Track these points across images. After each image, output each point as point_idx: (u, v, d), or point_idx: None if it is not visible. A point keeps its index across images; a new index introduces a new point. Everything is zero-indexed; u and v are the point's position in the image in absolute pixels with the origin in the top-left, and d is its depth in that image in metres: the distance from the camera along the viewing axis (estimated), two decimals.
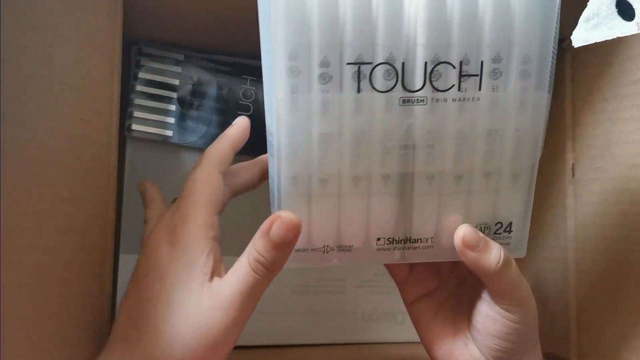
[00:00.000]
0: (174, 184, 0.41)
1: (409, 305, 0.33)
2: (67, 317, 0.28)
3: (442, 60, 0.25)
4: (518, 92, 0.26)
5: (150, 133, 0.40)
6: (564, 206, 0.38)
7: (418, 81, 0.25)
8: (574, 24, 0.38)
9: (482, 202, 0.28)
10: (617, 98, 0.35)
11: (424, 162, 0.27)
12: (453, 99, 0.26)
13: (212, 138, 0.41)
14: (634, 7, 0.67)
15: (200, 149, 0.41)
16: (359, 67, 0.25)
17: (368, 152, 0.26)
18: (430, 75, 0.25)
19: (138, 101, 0.39)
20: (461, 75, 0.25)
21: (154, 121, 0.40)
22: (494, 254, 0.27)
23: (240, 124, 0.30)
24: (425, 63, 0.25)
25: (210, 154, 0.28)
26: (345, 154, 0.26)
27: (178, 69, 0.40)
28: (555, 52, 0.27)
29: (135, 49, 0.40)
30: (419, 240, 0.28)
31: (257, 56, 0.27)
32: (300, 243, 0.27)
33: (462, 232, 0.27)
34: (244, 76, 0.42)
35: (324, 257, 0.28)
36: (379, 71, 0.25)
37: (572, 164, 0.38)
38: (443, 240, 0.28)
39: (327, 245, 0.28)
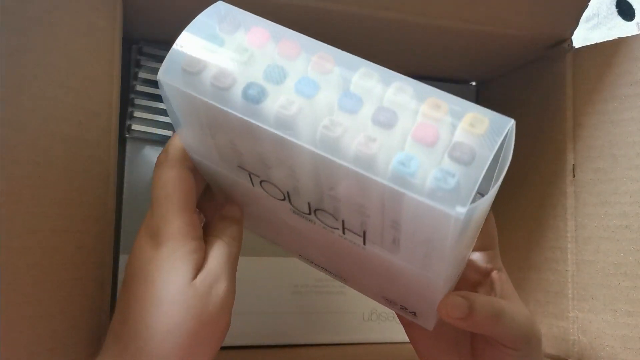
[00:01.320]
0: None
1: (406, 325, 0.32)
2: (64, 319, 0.28)
3: (323, 209, 0.23)
4: (413, 265, 0.23)
5: (150, 133, 0.40)
6: (564, 207, 0.38)
7: (305, 209, 0.24)
8: (575, 24, 0.38)
9: (389, 289, 0.28)
10: (617, 99, 0.35)
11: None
12: (340, 235, 0.24)
13: None
14: (633, 7, 0.66)
15: None
16: (249, 174, 0.24)
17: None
18: (315, 213, 0.24)
19: (138, 101, 0.39)
20: (344, 228, 0.23)
21: (154, 121, 0.40)
22: (484, 313, 0.26)
23: None
24: (309, 203, 0.23)
25: (174, 150, 0.26)
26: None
27: None
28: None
29: (135, 49, 0.40)
30: (335, 275, 0.31)
31: None
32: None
33: (446, 305, 0.25)
34: None
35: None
36: (270, 186, 0.24)
37: (573, 165, 0.38)
38: (357, 286, 0.30)
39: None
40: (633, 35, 0.35)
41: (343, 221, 0.23)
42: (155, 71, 0.40)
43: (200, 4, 0.35)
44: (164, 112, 0.40)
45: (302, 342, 0.43)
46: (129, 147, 0.40)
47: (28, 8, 0.25)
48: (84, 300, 0.30)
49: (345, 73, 0.20)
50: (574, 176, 0.38)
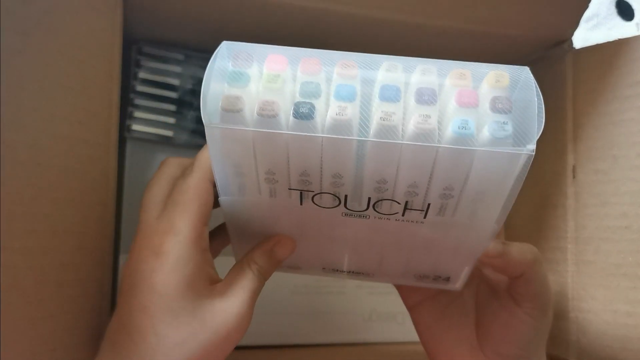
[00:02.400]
0: None
1: (410, 307, 0.32)
2: (62, 320, 0.28)
3: (386, 198, 0.24)
4: (465, 220, 0.25)
5: (150, 133, 0.40)
6: (565, 207, 0.38)
7: (361, 206, 0.25)
8: (575, 24, 0.38)
9: (421, 265, 0.29)
10: (618, 100, 0.35)
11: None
12: (396, 219, 0.25)
13: None
14: (633, 7, 0.67)
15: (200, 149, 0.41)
16: (300, 193, 0.25)
17: (315, 229, 0.27)
18: (374, 205, 0.25)
19: (138, 101, 0.39)
20: (406, 209, 0.25)
21: (154, 121, 0.40)
22: (518, 253, 0.26)
23: None
24: (369, 199, 0.24)
25: (200, 163, 0.26)
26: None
27: (178, 69, 0.40)
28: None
29: (135, 49, 0.40)
30: (361, 274, 0.31)
31: None
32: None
33: (487, 251, 0.26)
34: None
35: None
36: (323, 197, 0.25)
37: (573, 166, 0.38)
38: (383, 277, 0.31)
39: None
40: (634, 36, 0.35)
41: (407, 202, 0.24)
42: (155, 71, 0.40)
43: (200, 4, 0.35)
44: (164, 112, 0.40)
45: (302, 342, 0.43)
46: (129, 147, 0.40)
47: (29, 8, 0.25)
48: (84, 301, 0.30)
49: (370, 72, 0.22)
50: (574, 177, 0.38)
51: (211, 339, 0.25)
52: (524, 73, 0.23)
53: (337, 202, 0.25)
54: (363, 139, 0.22)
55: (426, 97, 0.21)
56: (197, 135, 0.41)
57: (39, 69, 0.26)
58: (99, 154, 0.31)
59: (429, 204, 0.24)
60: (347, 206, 0.25)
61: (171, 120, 0.40)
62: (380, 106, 0.21)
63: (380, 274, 0.31)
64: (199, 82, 0.41)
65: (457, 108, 0.21)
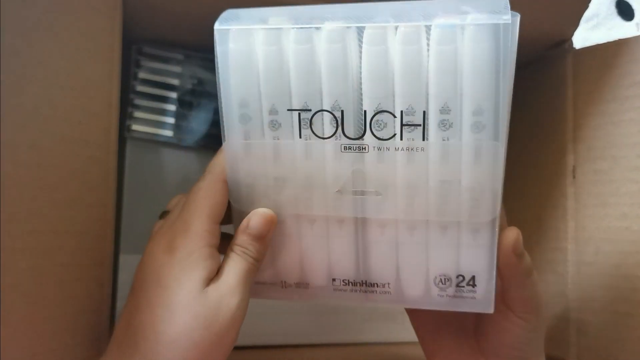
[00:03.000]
0: (174, 184, 0.41)
1: (410, 312, 0.32)
2: (63, 320, 0.28)
3: (381, 109, 0.25)
4: (471, 144, 0.25)
5: (150, 133, 0.40)
6: (565, 208, 0.38)
7: (359, 129, 0.26)
8: (575, 24, 0.38)
9: (440, 254, 0.27)
10: (618, 100, 0.35)
11: (374, 210, 0.27)
12: (396, 148, 0.26)
13: (213, 138, 0.41)
14: (633, 7, 0.67)
15: (201, 149, 0.41)
16: (299, 114, 0.26)
17: (320, 196, 0.27)
18: (370, 124, 0.26)
19: (138, 101, 0.39)
20: (403, 125, 0.25)
21: (154, 121, 0.40)
22: (528, 261, 0.27)
23: None
24: (365, 112, 0.25)
25: (213, 166, 0.28)
26: (299, 197, 0.27)
27: (178, 69, 0.40)
28: (510, 101, 0.25)
29: (135, 49, 0.39)
30: (376, 285, 0.29)
31: None
32: (263, 276, 0.29)
33: (514, 237, 0.26)
34: None
35: (284, 291, 0.30)
36: (324, 117, 0.26)
37: (573, 166, 0.38)
38: (404, 288, 0.28)
39: (285, 282, 0.29)
40: (634, 37, 0.35)
41: (402, 112, 0.25)
42: (155, 71, 0.40)
43: (200, 4, 0.35)
44: (163, 112, 0.40)
45: (302, 342, 0.43)
46: (128, 147, 0.40)
47: (30, 8, 0.25)
48: (84, 301, 0.30)
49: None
50: (574, 177, 0.38)
51: (204, 335, 0.25)
52: None
53: (335, 127, 0.26)
54: (360, 24, 0.25)
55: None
56: (197, 136, 0.41)
57: (39, 70, 0.26)
58: (99, 154, 0.31)
59: (423, 112, 0.25)
60: (345, 132, 0.26)
61: (171, 120, 0.40)
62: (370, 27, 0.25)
63: (399, 283, 0.29)
64: (199, 82, 0.41)
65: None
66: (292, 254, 0.29)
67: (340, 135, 0.26)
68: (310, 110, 0.26)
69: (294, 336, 0.43)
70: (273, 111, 0.26)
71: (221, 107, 0.27)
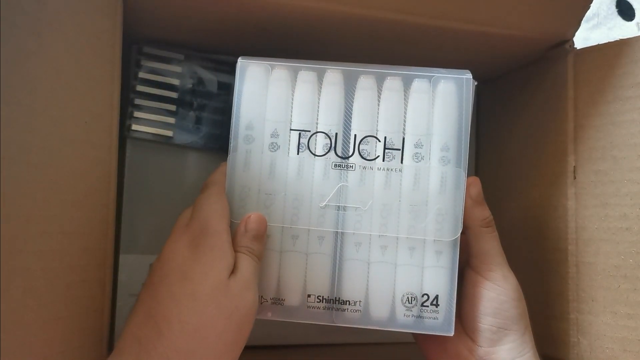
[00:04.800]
0: (174, 184, 0.41)
1: (420, 341, 0.35)
2: (70, 321, 0.28)
3: (368, 135, 0.32)
4: (438, 173, 0.32)
5: (150, 133, 0.40)
6: (565, 208, 0.38)
7: (349, 150, 0.32)
8: (576, 25, 0.38)
9: (407, 274, 0.32)
10: (619, 100, 0.35)
11: (353, 224, 0.32)
12: (379, 167, 0.32)
13: (213, 138, 0.41)
14: (634, 7, 0.66)
15: (201, 149, 0.41)
16: (299, 134, 0.32)
17: (306, 210, 0.32)
18: (359, 146, 0.32)
19: (138, 101, 0.39)
20: (385, 148, 0.32)
21: (154, 121, 0.40)
22: (482, 209, 0.32)
23: None
24: (355, 135, 0.32)
25: (217, 180, 0.31)
26: (287, 211, 0.32)
27: (178, 69, 0.40)
28: (468, 139, 0.32)
29: (135, 49, 0.39)
30: (347, 303, 0.32)
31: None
32: None
33: (472, 181, 0.32)
34: None
35: (260, 307, 0.32)
36: (318, 141, 0.32)
37: (574, 167, 0.38)
38: (372, 309, 0.32)
39: (262, 297, 0.32)
40: (635, 37, 0.35)
41: (385, 138, 0.32)
42: (155, 71, 0.40)
43: (200, 4, 0.35)
44: (163, 112, 0.40)
45: (302, 342, 0.43)
46: (129, 147, 0.40)
47: (42, 8, 0.25)
48: (89, 302, 0.30)
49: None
50: (574, 178, 0.38)
51: (226, 324, 0.26)
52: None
53: (328, 148, 0.32)
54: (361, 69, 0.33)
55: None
56: (197, 135, 0.41)
57: (49, 70, 0.26)
58: (103, 155, 0.31)
59: (403, 138, 0.32)
60: (337, 151, 0.32)
61: (171, 120, 0.40)
62: (364, 75, 0.33)
63: (368, 301, 0.32)
64: (199, 82, 0.41)
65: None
66: (272, 268, 0.32)
67: (331, 155, 0.32)
68: (309, 131, 0.32)
69: (294, 336, 0.43)
70: (274, 134, 0.32)
71: (232, 127, 0.32)
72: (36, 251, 0.25)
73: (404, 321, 0.32)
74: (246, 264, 0.29)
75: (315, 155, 0.32)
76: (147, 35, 0.39)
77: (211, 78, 0.41)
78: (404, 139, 0.32)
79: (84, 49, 0.29)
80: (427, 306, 0.31)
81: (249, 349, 0.42)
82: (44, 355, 0.25)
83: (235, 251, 0.29)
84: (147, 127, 0.40)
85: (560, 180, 0.38)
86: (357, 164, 0.32)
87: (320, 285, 0.32)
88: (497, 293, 0.31)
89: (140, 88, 0.39)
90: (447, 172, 0.31)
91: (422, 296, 0.31)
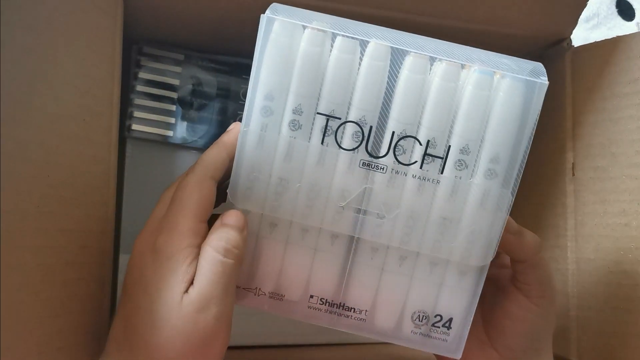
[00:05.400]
0: None
1: None
2: (67, 318, 0.28)
3: (409, 135, 0.26)
4: (480, 189, 0.26)
5: (150, 133, 0.40)
6: (564, 205, 0.38)
7: (382, 149, 0.26)
8: (573, 23, 0.38)
9: (423, 290, 0.28)
10: (616, 97, 0.35)
11: (372, 231, 0.27)
12: (413, 175, 0.26)
13: (213, 138, 0.41)
14: (634, 7, 0.67)
15: (201, 149, 0.41)
16: (327, 120, 0.26)
17: (321, 207, 0.27)
18: (395, 146, 0.26)
19: (138, 101, 0.39)
20: (425, 154, 0.26)
21: (154, 121, 0.40)
22: (530, 236, 0.27)
23: (236, 130, 0.27)
24: (393, 133, 0.26)
25: (203, 160, 0.27)
26: (299, 204, 0.27)
27: (178, 69, 0.40)
28: (526, 156, 0.26)
29: (135, 49, 0.40)
30: (352, 310, 0.28)
31: None
32: (239, 280, 0.28)
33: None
34: (244, 76, 0.42)
35: (256, 299, 0.29)
36: (347, 129, 0.26)
37: (572, 163, 0.38)
38: (377, 319, 0.28)
39: (259, 289, 0.28)
40: (631, 34, 0.35)
41: (428, 142, 0.26)
42: (155, 71, 0.40)
43: (200, 4, 0.35)
44: (164, 112, 0.40)
45: (302, 342, 0.43)
46: (129, 147, 0.40)
47: (42, 6, 0.26)
48: (86, 300, 0.30)
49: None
50: (573, 174, 0.38)
51: (186, 346, 0.24)
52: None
53: (359, 142, 0.26)
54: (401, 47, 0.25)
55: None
56: (197, 135, 0.41)
57: (48, 68, 0.26)
58: (102, 153, 0.31)
59: (449, 147, 0.26)
60: (368, 148, 0.26)
61: (171, 120, 0.40)
62: (414, 55, 0.26)
63: (374, 311, 0.29)
64: (199, 82, 0.41)
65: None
66: (274, 260, 0.28)
67: (361, 150, 0.26)
68: (339, 118, 0.26)
69: (294, 336, 0.43)
70: (297, 111, 0.26)
71: (248, 95, 0.26)
72: (32, 247, 0.25)
73: (410, 337, 0.28)
74: (209, 274, 0.24)
75: (341, 147, 0.26)
76: (147, 35, 0.39)
77: (211, 78, 0.41)
78: (449, 145, 0.26)
79: (83, 47, 0.29)
80: (438, 327, 0.28)
81: (246, 349, 0.42)
82: (39, 351, 0.25)
83: (203, 245, 0.25)
84: (147, 127, 0.40)
85: (559, 177, 0.38)
86: (389, 166, 0.26)
87: (325, 287, 0.28)
88: (540, 318, 0.28)
89: (140, 88, 0.39)
90: (492, 188, 0.26)
91: (435, 316, 0.28)
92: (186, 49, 0.41)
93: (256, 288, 0.28)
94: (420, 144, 0.26)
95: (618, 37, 0.35)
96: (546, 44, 0.40)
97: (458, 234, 0.26)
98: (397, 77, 0.26)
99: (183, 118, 0.40)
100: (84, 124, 0.29)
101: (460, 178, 0.26)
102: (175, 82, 0.40)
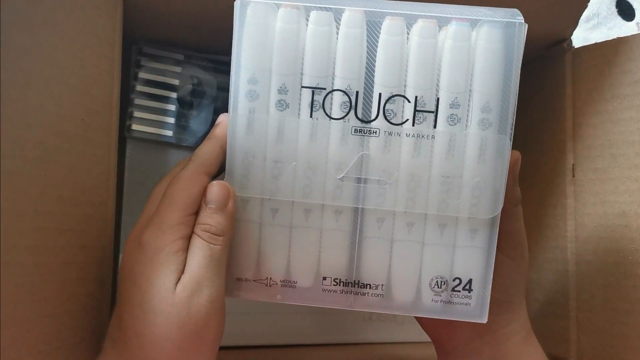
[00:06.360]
0: None
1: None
2: (66, 318, 0.28)
3: (396, 93, 0.26)
4: (477, 140, 0.26)
5: (150, 133, 0.40)
6: (564, 206, 0.38)
7: (372, 112, 0.26)
8: (574, 24, 0.38)
9: (437, 255, 0.27)
10: (617, 98, 0.35)
11: (375, 200, 0.26)
12: (407, 134, 0.26)
13: None
14: (634, 7, 0.67)
15: None
16: (312, 92, 0.26)
17: (320, 182, 0.26)
18: (384, 107, 0.26)
19: (138, 101, 0.39)
20: (416, 110, 0.26)
21: (154, 121, 0.40)
22: (517, 190, 0.28)
23: (226, 121, 0.27)
24: (380, 94, 0.26)
25: (197, 156, 0.27)
26: (298, 183, 0.27)
27: (178, 69, 0.40)
28: (516, 100, 0.26)
29: (135, 49, 0.40)
30: (368, 286, 0.28)
31: None
32: (246, 272, 0.28)
33: (514, 158, 0.27)
34: None
35: (267, 290, 0.28)
36: (335, 100, 0.26)
37: (573, 165, 0.38)
38: (394, 292, 0.28)
39: (270, 278, 0.28)
40: (632, 35, 0.35)
41: (416, 98, 0.26)
42: (155, 71, 0.40)
43: (200, 4, 0.35)
44: (163, 112, 0.40)
45: (303, 342, 0.43)
46: (129, 147, 0.40)
47: (37, 6, 0.25)
48: (86, 300, 0.30)
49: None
50: (573, 176, 0.38)
51: (180, 334, 0.24)
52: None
53: (347, 110, 0.26)
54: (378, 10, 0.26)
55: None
56: (197, 136, 0.41)
57: (45, 67, 0.26)
58: (101, 152, 0.31)
59: (437, 99, 0.26)
60: (357, 113, 0.26)
61: (171, 120, 0.40)
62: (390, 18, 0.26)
63: (391, 284, 0.28)
64: (199, 82, 0.41)
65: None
66: (281, 247, 0.28)
67: (351, 118, 0.26)
68: (324, 89, 0.26)
69: (294, 336, 0.43)
70: (282, 90, 0.26)
71: (231, 82, 0.26)
72: (29, 246, 0.25)
73: (431, 306, 0.27)
74: (199, 258, 0.25)
75: (330, 117, 0.26)
76: (147, 35, 0.39)
77: (211, 78, 0.41)
78: (437, 98, 0.26)
79: (81, 46, 0.29)
80: (459, 291, 0.27)
81: (246, 349, 0.42)
82: (38, 350, 0.25)
83: (193, 233, 0.25)
84: (147, 127, 0.40)
85: (559, 178, 0.38)
86: (382, 129, 0.26)
87: (337, 267, 0.27)
88: (513, 271, 0.29)
89: (140, 88, 0.39)
90: (488, 137, 0.26)
91: (454, 280, 0.27)
92: (186, 49, 0.40)
93: (267, 278, 0.28)
94: (409, 102, 0.26)
95: (619, 38, 0.35)
96: (546, 45, 0.40)
97: (462, 189, 0.26)
98: (377, 41, 0.26)
99: (183, 118, 0.40)
100: (83, 123, 0.29)
101: (454, 134, 0.26)
102: (175, 82, 0.40)
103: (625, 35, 0.35)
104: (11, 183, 0.24)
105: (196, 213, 0.26)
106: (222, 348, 0.27)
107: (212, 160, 0.27)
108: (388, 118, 0.26)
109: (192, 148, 0.41)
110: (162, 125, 0.40)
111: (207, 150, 0.27)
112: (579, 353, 0.36)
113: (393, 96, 0.26)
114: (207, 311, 0.24)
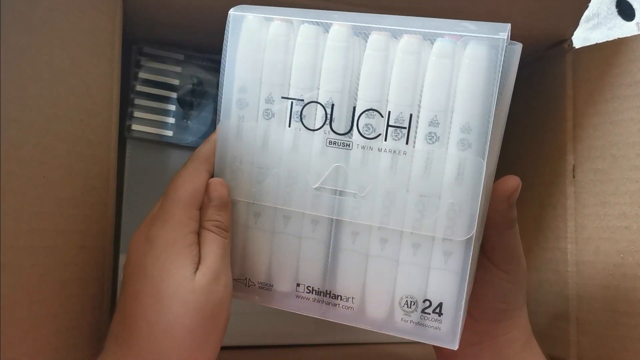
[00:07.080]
0: None
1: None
2: (66, 318, 0.28)
3: (370, 108, 0.26)
4: (455, 160, 0.25)
5: (150, 133, 0.40)
6: (564, 207, 0.38)
7: (346, 125, 0.27)
8: (574, 24, 0.38)
9: (408, 274, 0.27)
10: (618, 99, 0.35)
11: (351, 212, 0.27)
12: (383, 149, 0.26)
13: None
14: (634, 7, 0.66)
15: None
16: (291, 104, 0.27)
17: (300, 191, 0.27)
18: (358, 122, 0.26)
19: (138, 101, 0.39)
20: (389, 126, 0.26)
21: (154, 121, 0.40)
22: (514, 211, 0.28)
23: None
24: (354, 108, 0.26)
25: (196, 155, 0.28)
26: (280, 189, 0.28)
27: (178, 69, 0.40)
28: (504, 123, 0.27)
29: (135, 49, 0.40)
30: (340, 298, 0.28)
31: None
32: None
33: (514, 185, 0.27)
34: None
35: (246, 290, 0.29)
36: (318, 113, 0.27)
37: (573, 165, 0.38)
38: (367, 307, 0.28)
39: (249, 279, 0.29)
40: (633, 36, 0.35)
41: (389, 113, 0.26)
42: (155, 71, 0.40)
43: (200, 4, 0.35)
44: (163, 112, 0.40)
45: (303, 342, 0.43)
46: (129, 147, 0.40)
47: (35, 7, 0.25)
48: (85, 300, 0.30)
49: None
50: (574, 177, 0.38)
51: (195, 319, 0.25)
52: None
53: (323, 120, 0.27)
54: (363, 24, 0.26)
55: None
56: (197, 136, 0.41)
57: (43, 67, 0.26)
58: (101, 153, 0.31)
59: (410, 115, 0.26)
60: (332, 126, 0.27)
61: (171, 120, 0.40)
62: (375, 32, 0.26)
63: (364, 299, 0.28)
64: (199, 82, 0.41)
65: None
66: (263, 250, 0.29)
67: (328, 130, 0.27)
68: (302, 100, 0.27)
69: (294, 336, 0.43)
70: (269, 100, 0.27)
71: (221, 90, 0.28)
72: (27, 247, 0.25)
73: (402, 326, 0.27)
74: (214, 249, 0.26)
75: (307, 128, 0.27)
76: (147, 35, 0.39)
77: (211, 78, 0.41)
78: (412, 115, 0.26)
79: (80, 47, 0.29)
80: (429, 314, 0.27)
81: (246, 349, 0.42)
82: (36, 351, 0.25)
83: (202, 229, 0.27)
84: (147, 127, 0.40)
85: (559, 179, 0.38)
86: (356, 142, 0.26)
87: (311, 275, 0.28)
88: (509, 282, 0.29)
89: (140, 88, 0.39)
90: (466, 159, 0.25)
91: (424, 302, 0.27)
92: (186, 49, 0.40)
93: (246, 279, 0.29)
94: (382, 116, 0.26)
95: (620, 38, 0.35)
96: (547, 45, 0.40)
97: (438, 209, 0.26)
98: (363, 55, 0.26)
99: (183, 118, 0.40)
100: (82, 124, 0.29)
101: (432, 151, 0.25)
102: (175, 82, 0.40)
103: (625, 35, 0.35)
104: (10, 184, 0.23)
105: (199, 209, 0.27)
106: (222, 348, 0.27)
107: (211, 160, 0.28)
108: (363, 132, 0.26)
109: (192, 148, 0.41)
110: (162, 125, 0.40)
111: (206, 150, 0.28)
112: (579, 354, 0.36)
113: (366, 110, 0.26)
114: (223, 296, 0.26)
